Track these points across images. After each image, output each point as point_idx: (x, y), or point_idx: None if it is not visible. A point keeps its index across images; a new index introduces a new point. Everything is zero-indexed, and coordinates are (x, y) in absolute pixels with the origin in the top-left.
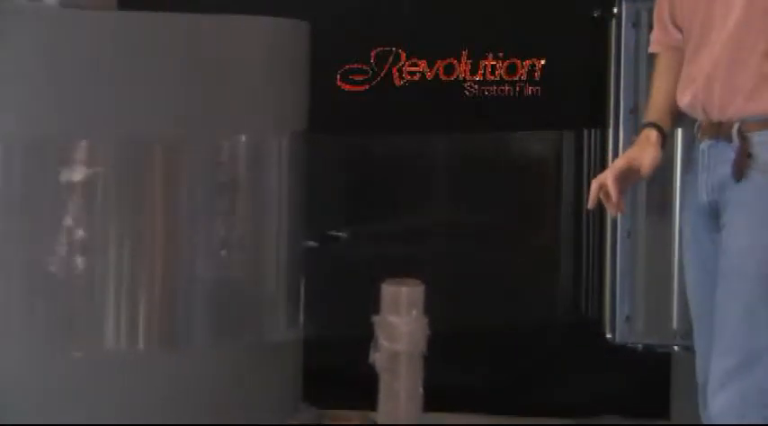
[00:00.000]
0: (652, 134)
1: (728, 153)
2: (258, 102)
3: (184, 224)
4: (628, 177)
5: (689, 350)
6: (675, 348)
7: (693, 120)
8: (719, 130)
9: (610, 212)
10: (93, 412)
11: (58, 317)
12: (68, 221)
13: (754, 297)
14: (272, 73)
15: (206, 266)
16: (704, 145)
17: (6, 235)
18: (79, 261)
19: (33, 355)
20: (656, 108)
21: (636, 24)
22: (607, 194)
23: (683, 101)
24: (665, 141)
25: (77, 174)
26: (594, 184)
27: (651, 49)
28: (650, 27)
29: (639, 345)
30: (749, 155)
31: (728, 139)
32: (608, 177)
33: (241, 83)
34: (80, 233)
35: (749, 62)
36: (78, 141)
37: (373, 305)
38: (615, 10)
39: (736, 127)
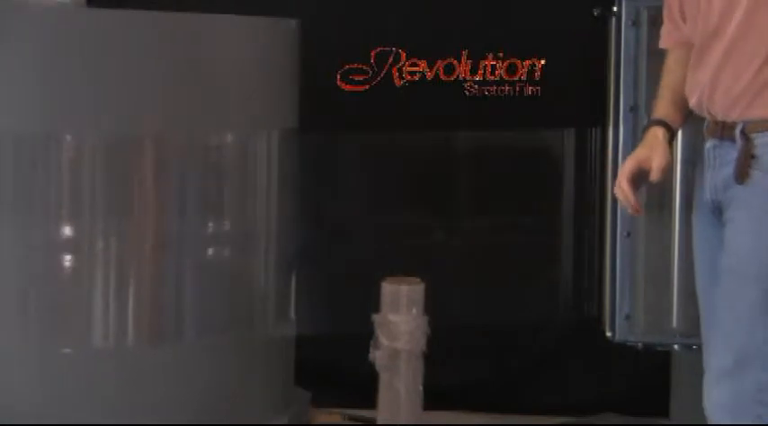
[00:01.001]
0: (659, 132)
1: (732, 153)
2: (248, 100)
3: (174, 220)
4: (638, 179)
5: (689, 348)
6: (675, 346)
7: (698, 119)
8: (723, 131)
9: (630, 212)
10: (85, 409)
11: (49, 314)
12: (58, 217)
13: (754, 298)
14: (261, 71)
15: (197, 262)
16: (710, 144)
17: None
18: (69, 256)
19: (24, 351)
20: (663, 104)
21: (636, 23)
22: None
23: (690, 103)
24: (674, 137)
25: (68, 171)
26: (618, 190)
27: (661, 45)
28: (650, 25)
29: (639, 343)
30: (752, 156)
31: (732, 139)
32: (621, 181)
33: (230, 81)
34: (70, 229)
35: (750, 69)
36: (68, 138)
37: (373, 303)
38: (615, 9)
39: (739, 127)
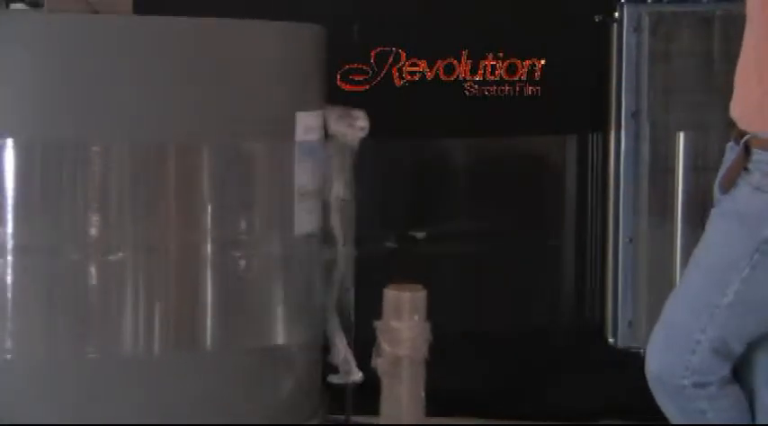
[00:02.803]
0: None
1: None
2: (275, 107)
3: (203, 226)
4: None
5: None
6: None
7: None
8: (738, 136)
9: None
10: (111, 414)
11: (75, 319)
12: (85, 223)
13: (701, 287)
14: (289, 77)
15: (223, 270)
16: (729, 144)
17: (25, 237)
18: (95, 263)
19: (50, 356)
20: None
21: (637, 28)
22: None
23: None
24: None
25: (95, 178)
26: None
27: None
28: (651, 31)
29: (642, 350)
30: (745, 169)
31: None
32: None
33: (258, 87)
34: (95, 235)
35: (755, 82)
36: (94, 144)
37: (376, 309)
38: (616, 14)
39: (745, 138)
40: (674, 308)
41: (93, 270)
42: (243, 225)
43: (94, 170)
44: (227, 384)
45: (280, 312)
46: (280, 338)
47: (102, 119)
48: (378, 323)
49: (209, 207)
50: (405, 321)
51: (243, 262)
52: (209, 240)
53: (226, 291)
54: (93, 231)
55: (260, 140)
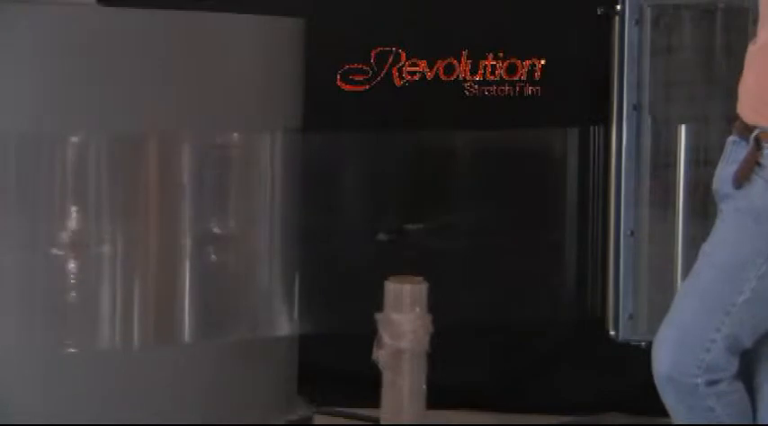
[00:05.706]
0: None
1: (744, 154)
2: (251, 100)
3: (178, 220)
4: None
5: None
6: None
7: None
8: (744, 131)
9: None
10: (88, 409)
11: (53, 313)
12: (63, 217)
13: (712, 282)
14: (264, 71)
15: (199, 262)
16: (731, 139)
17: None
18: (73, 257)
19: (28, 350)
20: None
21: (639, 21)
22: None
23: None
24: None
25: (72, 171)
26: None
27: None
28: (654, 24)
29: (643, 343)
30: (758, 164)
31: (749, 142)
32: None
33: (233, 80)
34: (75, 228)
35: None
36: (72, 138)
37: (376, 302)
38: (618, 7)
39: (755, 133)
40: (686, 307)
41: (70, 264)
42: (220, 218)
43: (71, 163)
44: (203, 377)
45: (257, 304)
46: (257, 330)
47: (78, 113)
48: (379, 316)
49: (186, 200)
50: (406, 313)
51: (220, 256)
52: (185, 234)
53: (202, 285)
54: (70, 224)
55: (236, 134)
